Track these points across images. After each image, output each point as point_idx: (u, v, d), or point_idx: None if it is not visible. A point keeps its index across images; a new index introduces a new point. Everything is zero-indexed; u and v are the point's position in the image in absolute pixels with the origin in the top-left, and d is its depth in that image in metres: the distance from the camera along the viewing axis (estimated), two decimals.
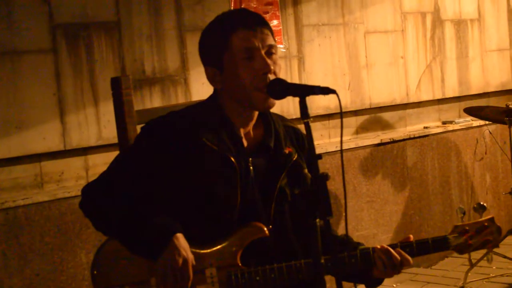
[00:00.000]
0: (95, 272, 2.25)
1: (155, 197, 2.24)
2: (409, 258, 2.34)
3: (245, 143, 2.31)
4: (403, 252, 2.33)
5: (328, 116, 5.19)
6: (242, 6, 4.69)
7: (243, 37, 2.24)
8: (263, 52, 2.25)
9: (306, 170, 2.36)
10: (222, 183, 2.22)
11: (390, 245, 2.35)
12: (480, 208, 2.46)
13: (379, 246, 2.34)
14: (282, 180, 2.30)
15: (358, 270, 2.32)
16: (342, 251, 2.30)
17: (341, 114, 2.08)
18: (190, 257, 2.15)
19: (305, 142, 2.41)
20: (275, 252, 2.26)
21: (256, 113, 2.34)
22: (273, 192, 2.28)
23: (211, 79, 2.31)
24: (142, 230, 2.17)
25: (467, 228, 2.42)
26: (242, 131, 2.31)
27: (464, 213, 2.42)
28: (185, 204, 2.24)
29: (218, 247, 2.22)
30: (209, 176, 2.22)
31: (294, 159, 2.33)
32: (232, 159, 2.23)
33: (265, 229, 2.24)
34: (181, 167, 2.22)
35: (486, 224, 2.44)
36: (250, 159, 2.29)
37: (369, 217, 5.26)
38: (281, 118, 2.44)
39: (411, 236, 2.41)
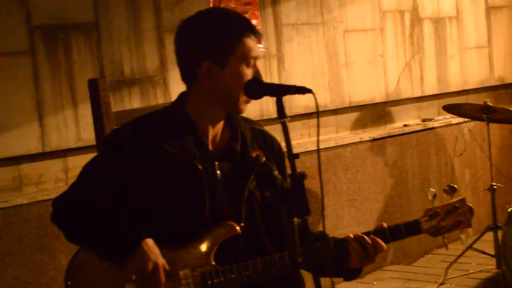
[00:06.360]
0: (69, 283, 2.26)
1: (124, 203, 2.24)
2: (383, 244, 2.35)
3: (210, 147, 2.30)
4: (376, 238, 2.34)
5: (308, 115, 5.20)
6: (221, 6, 4.69)
7: (252, 44, 2.26)
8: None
9: (276, 172, 2.36)
10: (189, 188, 2.22)
11: (363, 233, 2.36)
12: (451, 190, 2.46)
13: (352, 235, 2.34)
14: (250, 183, 2.30)
15: (333, 262, 2.31)
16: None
17: (318, 114, 2.12)
18: (160, 261, 2.16)
19: (274, 143, 2.43)
20: (248, 251, 2.27)
21: (224, 116, 2.34)
22: (243, 195, 2.28)
23: (203, 73, 2.25)
24: (111, 236, 2.18)
25: (438, 210, 2.43)
26: (209, 135, 2.31)
27: (435, 196, 2.43)
28: (154, 210, 2.24)
29: (191, 248, 2.22)
30: (175, 183, 2.22)
31: (262, 162, 2.33)
32: (197, 163, 2.23)
33: (237, 227, 2.25)
34: (146, 175, 2.22)
35: (457, 205, 2.45)
36: (216, 163, 2.29)
37: (350, 215, 5.28)
38: (248, 121, 2.44)
39: (384, 223, 2.41)
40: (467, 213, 2.46)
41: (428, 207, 2.47)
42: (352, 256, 2.33)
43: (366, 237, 2.33)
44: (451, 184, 2.49)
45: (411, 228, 2.41)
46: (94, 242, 2.23)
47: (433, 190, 2.48)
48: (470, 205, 2.48)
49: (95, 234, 2.22)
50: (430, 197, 2.47)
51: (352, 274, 2.42)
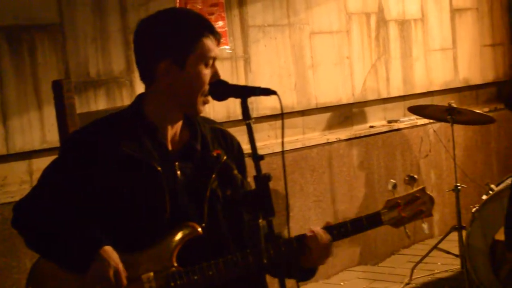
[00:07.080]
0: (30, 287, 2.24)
1: (84, 208, 2.22)
2: (330, 236, 2.32)
3: (170, 147, 2.30)
4: (326, 232, 2.32)
5: (275, 117, 5.20)
6: (188, 7, 4.69)
7: (211, 44, 2.26)
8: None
9: (236, 171, 2.37)
10: (148, 190, 2.22)
11: (324, 228, 2.35)
12: (411, 180, 2.47)
13: (311, 233, 2.31)
14: (212, 182, 2.30)
15: (286, 262, 2.27)
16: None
17: (282, 115, 2.13)
18: (121, 267, 2.15)
19: (233, 142, 2.44)
20: (211, 252, 2.26)
21: (183, 116, 2.34)
22: (204, 194, 2.28)
23: (161, 73, 2.24)
24: (69, 245, 2.17)
25: (399, 201, 2.42)
26: (168, 135, 2.31)
27: (394, 187, 2.43)
28: (115, 213, 2.22)
29: (153, 251, 2.21)
30: (133, 185, 2.21)
31: (223, 161, 2.34)
32: (155, 164, 2.22)
33: (199, 228, 2.24)
34: (104, 178, 2.21)
35: (417, 195, 2.44)
36: (177, 163, 2.28)
37: (317, 216, 5.30)
38: (208, 120, 2.45)
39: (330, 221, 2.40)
40: (427, 202, 2.45)
41: (388, 198, 2.47)
42: (306, 253, 2.29)
43: (322, 234, 2.32)
44: (411, 174, 2.50)
45: (372, 220, 2.41)
46: (53, 253, 2.21)
47: (393, 180, 2.48)
48: (430, 194, 2.48)
49: (54, 245, 2.19)
50: (389, 187, 2.47)
51: (307, 274, 2.40)
